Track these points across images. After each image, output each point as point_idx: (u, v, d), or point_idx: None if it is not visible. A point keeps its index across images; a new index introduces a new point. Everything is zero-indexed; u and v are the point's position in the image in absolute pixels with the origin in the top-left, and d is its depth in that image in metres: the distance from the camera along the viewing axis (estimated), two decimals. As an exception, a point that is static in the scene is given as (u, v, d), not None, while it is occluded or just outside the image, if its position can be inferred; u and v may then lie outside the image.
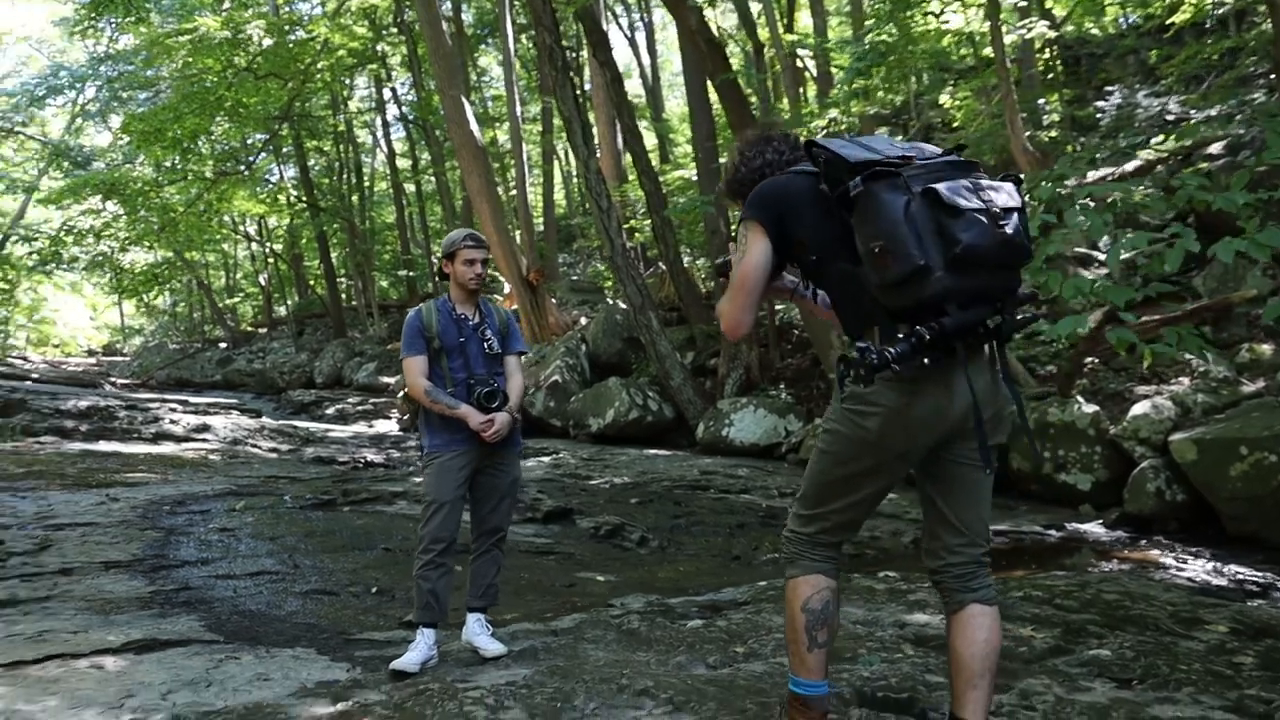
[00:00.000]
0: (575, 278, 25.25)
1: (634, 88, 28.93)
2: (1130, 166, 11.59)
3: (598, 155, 15.06)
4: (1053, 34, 14.48)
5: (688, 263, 17.46)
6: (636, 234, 20.59)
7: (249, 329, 37.31)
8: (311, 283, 35.83)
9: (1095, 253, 10.61)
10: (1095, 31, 18.56)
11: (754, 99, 19.38)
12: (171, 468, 10.16)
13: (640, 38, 28.89)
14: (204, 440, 13.20)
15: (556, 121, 17.71)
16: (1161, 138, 11.01)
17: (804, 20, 19.71)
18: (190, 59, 22.83)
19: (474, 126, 18.01)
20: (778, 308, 13.73)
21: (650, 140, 24.62)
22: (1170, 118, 14.26)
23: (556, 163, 28.78)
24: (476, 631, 3.76)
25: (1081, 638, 3.67)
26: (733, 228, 12.17)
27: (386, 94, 29.48)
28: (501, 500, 3.86)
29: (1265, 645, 3.57)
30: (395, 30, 25.85)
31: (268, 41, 21.17)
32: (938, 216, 2.11)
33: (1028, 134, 13.67)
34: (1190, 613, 4.03)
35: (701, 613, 4.31)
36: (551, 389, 14.50)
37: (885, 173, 2.17)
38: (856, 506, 2.42)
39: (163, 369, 30.68)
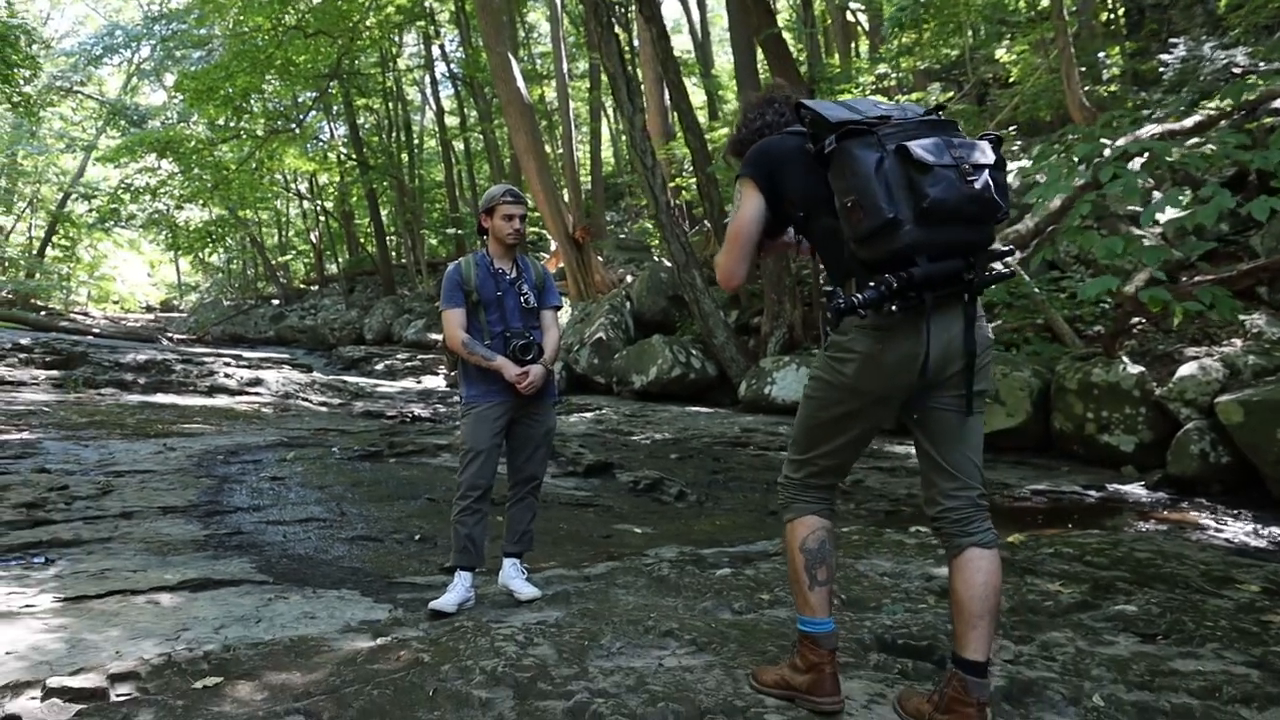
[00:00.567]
0: (622, 236, 25.23)
1: (683, 43, 28.57)
2: (1189, 122, 11.23)
3: (644, 112, 14.95)
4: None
5: (733, 220, 17.30)
6: (684, 191, 20.47)
7: (301, 286, 37.98)
8: (361, 240, 36.25)
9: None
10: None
11: (803, 55, 19.09)
12: (225, 419, 10.50)
13: (689, -8, 28.47)
14: (256, 394, 13.59)
15: (604, 78, 17.58)
16: (1219, 96, 10.64)
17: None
18: (241, 17, 23.09)
19: (520, 84, 18.00)
20: (821, 267, 13.59)
21: (699, 97, 24.34)
22: (1237, 70, 13.71)
23: (605, 120, 28.61)
24: (512, 575, 3.89)
25: (1109, 594, 3.66)
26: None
27: (435, 51, 29.48)
28: (537, 449, 3.97)
29: (1296, 604, 3.55)
30: (443, -14, 25.85)
31: (316, -1, 21.34)
32: (908, 172, 2.20)
33: (1085, 88, 13.30)
34: (1223, 572, 4.02)
35: (732, 563, 4.39)
36: (596, 346, 14.61)
37: (860, 131, 2.27)
38: (843, 450, 2.56)
39: (218, 325, 31.42)
